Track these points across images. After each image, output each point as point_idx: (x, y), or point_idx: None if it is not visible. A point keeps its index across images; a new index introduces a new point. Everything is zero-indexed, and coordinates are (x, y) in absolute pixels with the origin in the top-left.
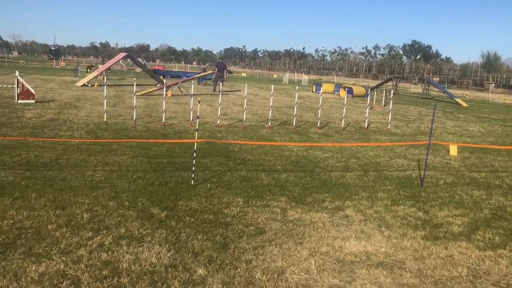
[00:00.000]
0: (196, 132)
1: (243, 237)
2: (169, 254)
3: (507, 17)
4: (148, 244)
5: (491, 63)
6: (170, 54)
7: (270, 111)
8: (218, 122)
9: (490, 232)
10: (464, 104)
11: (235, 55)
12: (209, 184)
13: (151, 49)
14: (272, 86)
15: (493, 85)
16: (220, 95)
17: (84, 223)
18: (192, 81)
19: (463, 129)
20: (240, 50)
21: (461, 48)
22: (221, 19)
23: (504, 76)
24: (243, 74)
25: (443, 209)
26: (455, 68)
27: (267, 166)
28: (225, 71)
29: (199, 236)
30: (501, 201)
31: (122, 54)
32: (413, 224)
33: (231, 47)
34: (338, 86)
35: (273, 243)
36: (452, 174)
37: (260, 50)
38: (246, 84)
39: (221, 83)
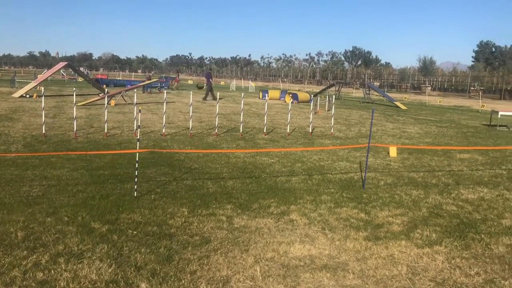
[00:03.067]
0: (138, 142)
1: (188, 248)
2: (110, 270)
3: (441, 23)
4: (88, 260)
5: (427, 67)
6: (114, 62)
7: (217, 118)
8: (164, 131)
9: (428, 229)
10: (403, 107)
11: (181, 63)
12: (153, 195)
13: (94, 58)
14: (218, 93)
15: (430, 88)
16: (165, 103)
17: (18, 241)
18: (136, 90)
19: (402, 131)
20: (186, 57)
21: (400, 53)
22: (165, 26)
23: (440, 80)
24: (190, 82)
25: (383, 209)
26: (394, 72)
27: (214, 174)
28: (210, 80)
29: (142, 249)
30: (438, 199)
31: (62, 63)
32: (356, 226)
33: (177, 55)
34: (284, 92)
35: (219, 252)
36: (392, 175)
37: (206, 58)
38: (191, 92)
39: (209, 93)
